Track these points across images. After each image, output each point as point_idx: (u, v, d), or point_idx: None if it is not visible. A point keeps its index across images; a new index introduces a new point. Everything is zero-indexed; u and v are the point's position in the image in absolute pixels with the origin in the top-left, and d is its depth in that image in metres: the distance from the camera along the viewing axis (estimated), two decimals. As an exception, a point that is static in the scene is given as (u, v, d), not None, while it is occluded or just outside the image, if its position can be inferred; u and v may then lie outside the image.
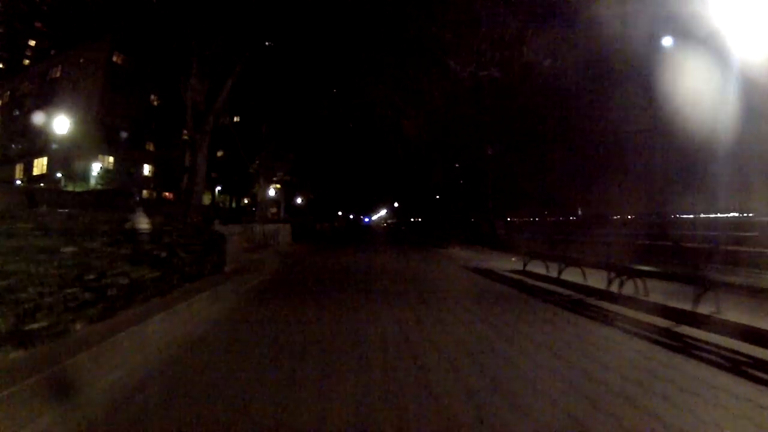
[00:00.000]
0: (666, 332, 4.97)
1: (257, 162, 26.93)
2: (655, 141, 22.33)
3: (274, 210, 52.00)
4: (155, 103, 45.48)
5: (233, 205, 48.01)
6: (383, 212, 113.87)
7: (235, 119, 33.00)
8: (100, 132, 39.18)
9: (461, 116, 25.49)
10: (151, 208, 31.00)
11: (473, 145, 26.31)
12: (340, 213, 78.37)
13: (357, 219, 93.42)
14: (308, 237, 22.91)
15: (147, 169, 43.84)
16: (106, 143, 39.78)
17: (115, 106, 40.86)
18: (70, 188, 36.07)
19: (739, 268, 5.81)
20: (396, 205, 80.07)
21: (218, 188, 47.52)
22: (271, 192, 31.87)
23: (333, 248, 19.35)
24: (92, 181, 38.45)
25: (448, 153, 29.78)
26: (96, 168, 37.36)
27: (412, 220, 76.82)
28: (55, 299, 3.64)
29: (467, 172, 30.90)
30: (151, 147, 43.98)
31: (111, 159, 40.14)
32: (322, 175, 38.41)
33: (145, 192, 42.48)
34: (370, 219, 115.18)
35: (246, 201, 48.47)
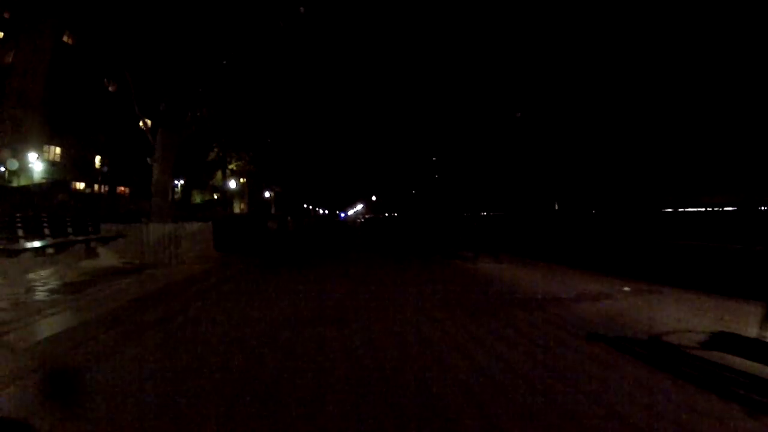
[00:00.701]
0: None
1: (216, 149, 24.54)
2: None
3: (242, 205, 49.25)
4: (110, 88, 41.84)
5: (197, 199, 44.96)
6: (359, 207, 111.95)
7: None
8: (46, 120, 35.66)
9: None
10: (93, 203, 28.13)
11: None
12: (312, 208, 75.60)
13: (332, 214, 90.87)
14: (245, 243, 15.14)
15: (98, 161, 40.37)
16: (53, 133, 36.27)
17: (64, 91, 37.26)
18: (14, 183, 32.69)
19: None
20: (374, 198, 78.32)
21: (181, 181, 44.45)
22: (232, 184, 29.45)
23: (267, 272, 9.58)
24: (37, 175, 35.01)
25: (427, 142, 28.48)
26: (38, 159, 33.83)
27: (387, 214, 75.22)
28: None
29: (449, 163, 29.30)
30: (105, 137, 40.44)
31: (58, 150, 36.60)
32: (291, 166, 36.10)
33: (99, 187, 39.12)
34: (345, 214, 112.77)
35: (216, 196, 45.45)
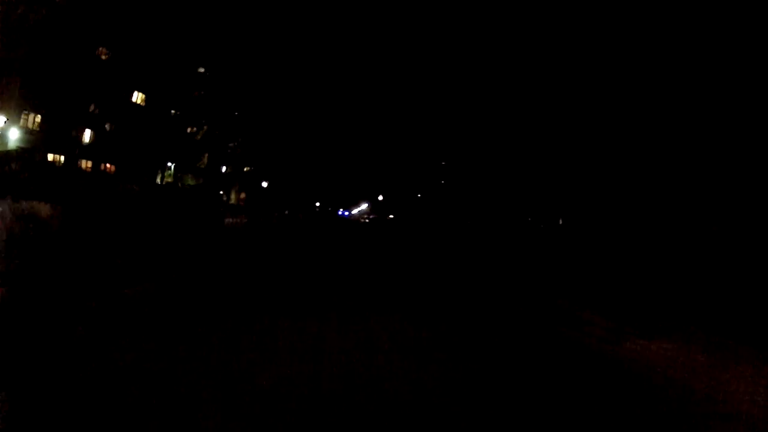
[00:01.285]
0: None
1: (205, 126, 21.28)
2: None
3: (242, 195, 45.90)
4: (103, 56, 38.46)
5: (183, 183, 41.29)
6: (363, 206, 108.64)
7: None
8: (26, 83, 32.22)
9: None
10: (67, 182, 24.74)
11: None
12: (318, 204, 72.22)
13: (334, 211, 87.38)
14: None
15: (88, 135, 36.90)
16: (34, 98, 32.84)
17: (51, 53, 33.81)
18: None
19: None
20: (380, 198, 75.48)
21: (172, 164, 41.05)
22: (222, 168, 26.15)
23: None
24: (12, 143, 31.56)
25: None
26: (7, 124, 30.31)
27: (391, 216, 72.24)
28: None
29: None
30: (92, 107, 36.99)
31: (38, 118, 33.15)
32: (290, 156, 33.02)
33: (82, 162, 35.67)
34: (349, 212, 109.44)
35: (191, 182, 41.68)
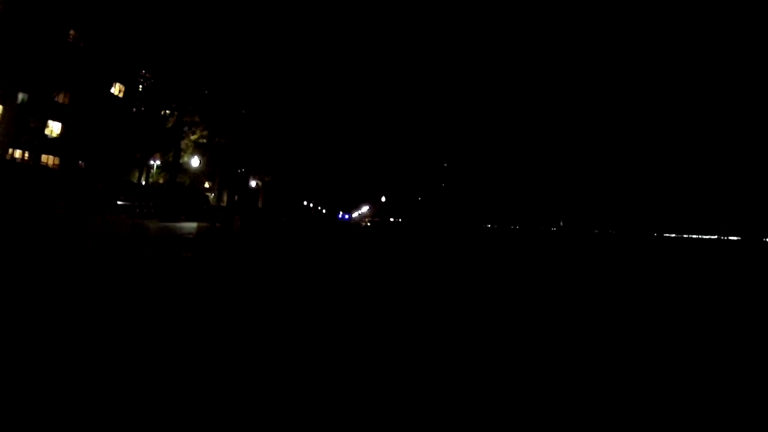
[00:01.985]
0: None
1: (174, 112, 17.67)
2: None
3: (236, 198, 42.06)
4: (73, 40, 34.89)
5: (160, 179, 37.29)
6: (364, 209, 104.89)
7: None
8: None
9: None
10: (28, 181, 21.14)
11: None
12: (314, 206, 68.47)
13: (331, 214, 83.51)
14: None
15: (57, 128, 33.26)
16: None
17: (13, 36, 30.29)
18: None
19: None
20: (383, 199, 72.26)
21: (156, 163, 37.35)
22: (194, 161, 22.31)
23: None
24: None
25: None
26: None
27: (392, 219, 68.98)
28: None
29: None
30: (63, 98, 33.38)
31: (-1, 108, 29.59)
32: (283, 152, 29.39)
33: (49, 159, 32.04)
34: (349, 216, 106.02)
35: (159, 179, 37.35)
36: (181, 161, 24.33)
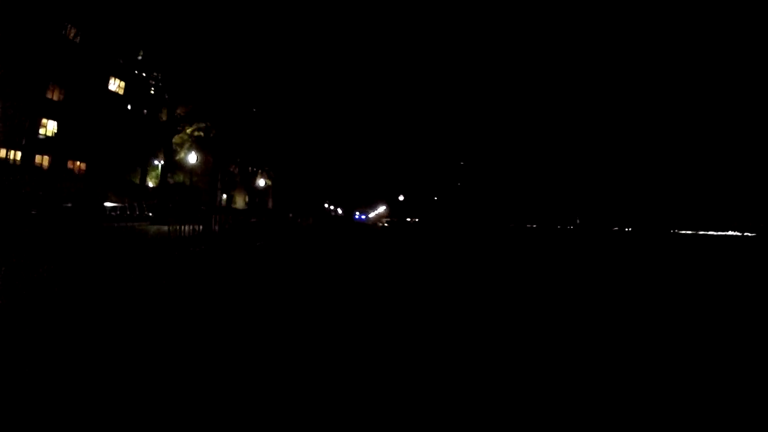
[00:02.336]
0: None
1: (167, 102, 15.27)
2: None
3: (246, 198, 39.50)
4: (72, 36, 32.68)
5: (151, 182, 34.56)
6: (381, 209, 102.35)
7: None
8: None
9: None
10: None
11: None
12: (328, 206, 66.11)
13: (347, 214, 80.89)
14: None
15: (52, 127, 30.96)
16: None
17: (9, 32, 28.12)
18: None
19: None
20: (401, 198, 69.92)
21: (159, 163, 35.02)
22: (191, 158, 19.77)
23: None
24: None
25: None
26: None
27: (408, 219, 66.49)
28: None
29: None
30: (57, 96, 31.10)
31: (-13, 105, 27.27)
32: (289, 148, 26.99)
33: (44, 159, 29.73)
34: (366, 216, 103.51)
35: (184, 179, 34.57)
36: (177, 158, 21.75)
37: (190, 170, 25.65)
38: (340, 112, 44.77)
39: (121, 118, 26.97)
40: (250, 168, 27.01)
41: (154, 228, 14.27)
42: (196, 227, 11.57)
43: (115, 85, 34.03)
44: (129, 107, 26.72)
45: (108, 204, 19.94)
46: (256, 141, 22.42)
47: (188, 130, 19.29)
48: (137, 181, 33.68)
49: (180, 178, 32.19)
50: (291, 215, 24.43)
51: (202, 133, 19.43)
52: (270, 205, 37.31)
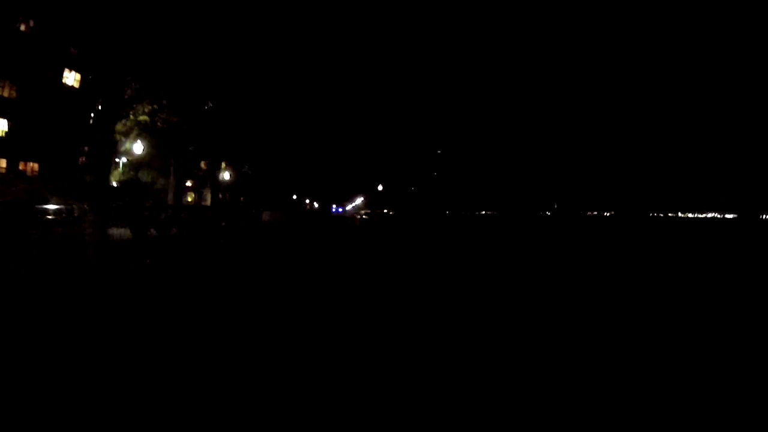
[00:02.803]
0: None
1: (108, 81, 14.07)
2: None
3: (224, 196, 38.10)
4: (23, 27, 30.84)
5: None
6: (358, 201, 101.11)
7: None
8: None
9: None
10: None
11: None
12: (305, 200, 64.91)
13: (323, 207, 79.60)
14: None
15: (3, 126, 29.27)
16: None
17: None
18: None
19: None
20: (380, 188, 68.90)
21: (121, 160, 33.53)
22: (137, 147, 18.34)
23: None
24: None
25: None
26: None
27: (386, 210, 65.71)
28: None
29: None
30: (8, 92, 29.37)
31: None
32: (263, 140, 25.86)
33: (2, 162, 28.13)
34: (343, 209, 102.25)
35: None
36: (123, 149, 20.01)
37: (148, 165, 24.34)
38: (314, 98, 43.64)
39: (77, 114, 25.48)
40: (206, 161, 25.49)
41: (85, 234, 13.21)
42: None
43: (72, 78, 32.35)
44: (85, 101, 25.22)
45: (49, 207, 18.71)
46: (219, 128, 20.88)
47: (136, 117, 17.42)
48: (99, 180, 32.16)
49: (145, 175, 30.83)
50: (254, 211, 23.36)
51: (147, 118, 17.53)
52: (241, 200, 36.21)
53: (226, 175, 30.26)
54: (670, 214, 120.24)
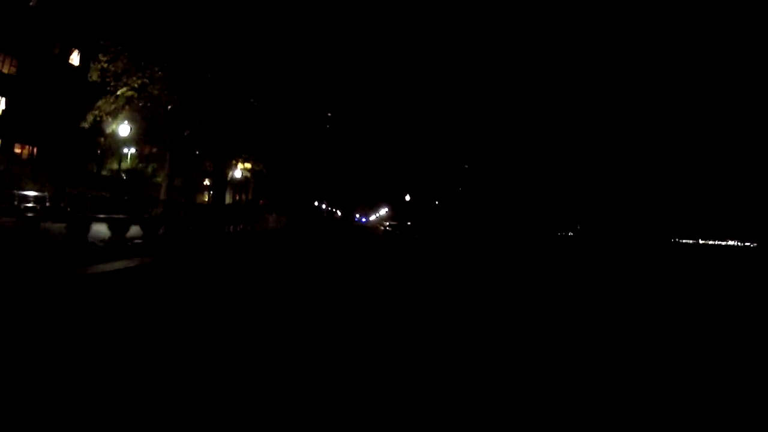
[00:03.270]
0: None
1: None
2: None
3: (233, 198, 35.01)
4: (31, 2, 28.49)
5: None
6: (383, 211, 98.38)
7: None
8: None
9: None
10: None
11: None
12: (327, 207, 62.25)
13: (345, 215, 76.61)
14: None
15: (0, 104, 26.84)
16: None
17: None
18: None
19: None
20: (407, 198, 66.12)
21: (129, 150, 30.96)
22: (123, 129, 15.37)
23: None
24: None
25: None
26: None
27: (409, 223, 62.91)
28: None
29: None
30: (8, 67, 26.99)
31: None
32: (281, 131, 23.14)
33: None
34: (366, 218, 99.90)
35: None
36: (109, 132, 16.72)
37: (153, 157, 21.76)
38: (342, 101, 41.06)
39: (80, 97, 22.94)
40: (212, 155, 22.53)
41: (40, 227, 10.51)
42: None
43: (77, 58, 30.01)
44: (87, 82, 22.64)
45: (29, 193, 16.20)
46: (223, 114, 17.58)
47: (122, 91, 13.90)
48: (98, 168, 29.63)
49: (148, 168, 28.17)
50: (259, 215, 20.37)
51: (135, 93, 13.83)
52: (261, 203, 33.40)
53: (237, 173, 27.41)
54: (690, 241, 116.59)
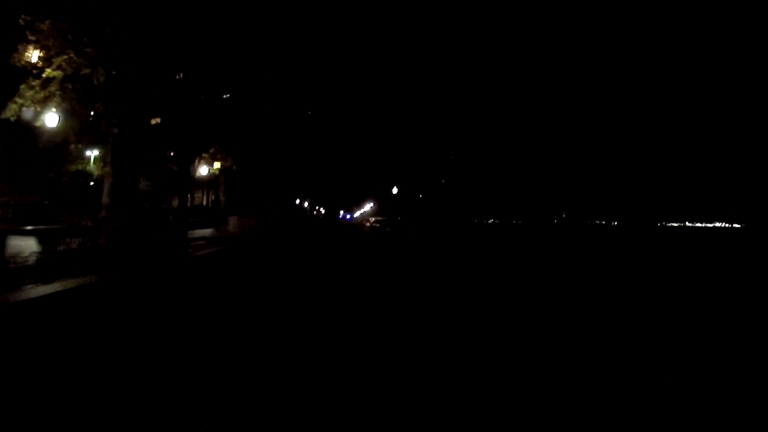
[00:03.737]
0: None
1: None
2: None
3: (216, 197, 33.54)
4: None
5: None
6: (368, 207, 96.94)
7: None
8: None
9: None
10: None
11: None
12: (310, 206, 60.99)
13: (330, 214, 75.20)
14: None
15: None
16: None
17: None
18: None
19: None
20: (395, 191, 64.81)
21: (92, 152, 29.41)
22: (52, 119, 13.83)
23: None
24: None
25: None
26: None
27: (399, 218, 61.69)
28: None
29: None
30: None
31: None
32: (253, 123, 21.92)
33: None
34: (351, 215, 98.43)
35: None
36: (39, 124, 14.78)
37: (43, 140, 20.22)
38: (323, 94, 39.72)
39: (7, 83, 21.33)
40: (171, 150, 20.89)
41: None
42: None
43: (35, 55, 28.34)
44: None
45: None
46: (182, 96, 15.75)
47: (48, 72, 12.00)
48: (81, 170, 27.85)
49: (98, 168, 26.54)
50: (172, 218, 18.59)
51: (60, 73, 11.72)
52: (223, 200, 32.10)
53: (202, 171, 25.96)
54: (677, 224, 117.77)
